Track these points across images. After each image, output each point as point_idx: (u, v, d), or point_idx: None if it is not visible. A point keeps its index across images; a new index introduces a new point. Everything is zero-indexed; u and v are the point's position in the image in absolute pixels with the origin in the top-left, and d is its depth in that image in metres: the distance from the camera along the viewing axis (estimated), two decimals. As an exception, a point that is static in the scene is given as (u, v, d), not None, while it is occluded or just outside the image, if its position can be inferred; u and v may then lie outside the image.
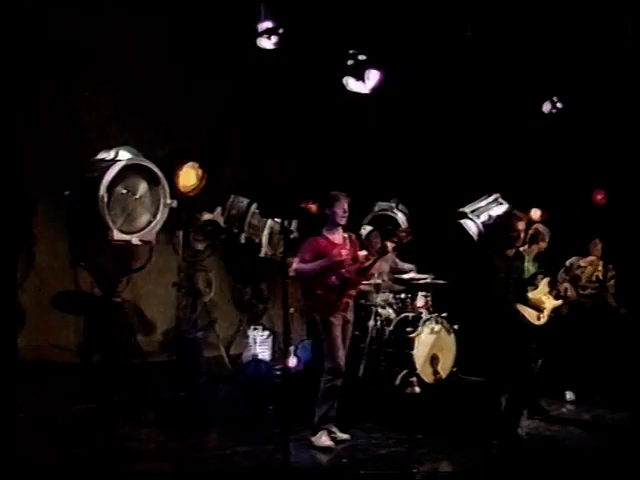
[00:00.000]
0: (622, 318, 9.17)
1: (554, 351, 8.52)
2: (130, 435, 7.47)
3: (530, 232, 8.64)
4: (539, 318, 7.98)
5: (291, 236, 8.73)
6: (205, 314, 9.55)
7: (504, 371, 7.34)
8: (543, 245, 8.59)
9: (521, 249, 8.43)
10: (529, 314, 7.89)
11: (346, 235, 7.35)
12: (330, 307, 7.13)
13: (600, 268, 9.23)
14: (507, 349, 7.31)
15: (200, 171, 8.91)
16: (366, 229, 9.44)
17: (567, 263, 9.18)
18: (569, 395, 8.99)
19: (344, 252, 7.20)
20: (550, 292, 8.31)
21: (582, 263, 9.24)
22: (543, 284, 8.35)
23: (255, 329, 9.18)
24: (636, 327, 8.96)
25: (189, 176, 8.86)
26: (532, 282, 8.10)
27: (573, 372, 8.98)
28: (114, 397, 7.89)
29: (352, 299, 7.37)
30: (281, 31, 8.72)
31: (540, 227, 8.71)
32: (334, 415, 7.18)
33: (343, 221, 7.27)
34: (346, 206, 7.26)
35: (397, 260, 9.58)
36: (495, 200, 9.46)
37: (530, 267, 8.40)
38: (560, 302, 8.34)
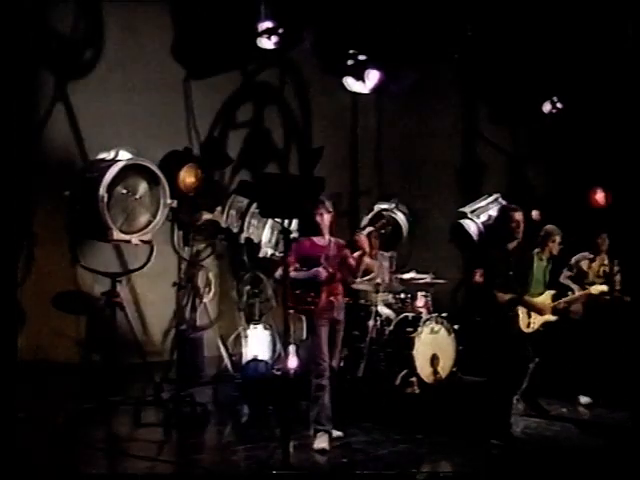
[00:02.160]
0: (627, 307, 9.08)
1: (561, 352, 8.53)
2: (130, 435, 7.48)
3: (541, 234, 8.65)
4: (529, 325, 7.97)
5: (291, 236, 8.74)
6: (205, 314, 9.54)
7: (500, 370, 7.36)
8: (554, 246, 8.58)
9: (534, 251, 8.46)
10: (521, 319, 7.88)
11: (333, 239, 7.36)
12: (310, 305, 7.11)
13: (606, 262, 9.19)
14: (503, 347, 7.34)
15: (200, 171, 8.91)
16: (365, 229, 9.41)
17: (572, 260, 9.15)
18: (584, 399, 8.90)
19: (323, 272, 7.19)
20: (550, 305, 8.32)
21: (586, 262, 9.17)
22: (547, 295, 8.36)
23: (255, 329, 9.18)
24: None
25: (189, 176, 8.86)
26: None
27: (582, 373, 8.92)
28: (114, 397, 7.89)
29: (337, 298, 7.30)
30: (281, 31, 8.73)
31: (550, 228, 8.69)
32: (329, 414, 7.15)
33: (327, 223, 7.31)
34: (324, 212, 7.29)
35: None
36: (495, 200, 9.45)
37: (545, 269, 8.42)
38: (555, 318, 8.34)
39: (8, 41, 8.10)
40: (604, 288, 8.80)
